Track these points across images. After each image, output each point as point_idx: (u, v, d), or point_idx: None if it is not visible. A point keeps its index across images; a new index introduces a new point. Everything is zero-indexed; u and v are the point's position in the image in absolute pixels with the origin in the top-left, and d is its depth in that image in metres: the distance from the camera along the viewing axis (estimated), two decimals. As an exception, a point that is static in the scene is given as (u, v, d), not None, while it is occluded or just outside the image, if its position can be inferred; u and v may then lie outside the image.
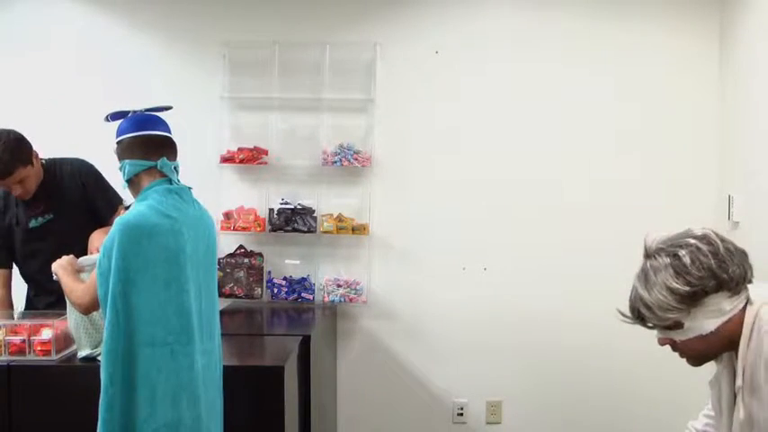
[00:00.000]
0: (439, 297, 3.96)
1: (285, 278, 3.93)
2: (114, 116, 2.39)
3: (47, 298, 3.10)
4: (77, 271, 2.53)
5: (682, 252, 1.62)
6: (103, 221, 3.05)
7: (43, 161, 3.10)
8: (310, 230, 3.88)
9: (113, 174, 2.53)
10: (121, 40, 3.99)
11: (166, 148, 2.35)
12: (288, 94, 3.92)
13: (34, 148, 3.02)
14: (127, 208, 2.56)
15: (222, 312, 2.47)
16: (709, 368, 3.98)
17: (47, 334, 2.64)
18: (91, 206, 3.12)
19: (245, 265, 3.88)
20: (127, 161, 2.32)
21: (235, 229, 3.87)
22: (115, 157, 2.39)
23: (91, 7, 4.01)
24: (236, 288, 3.86)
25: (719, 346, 1.66)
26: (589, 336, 3.89)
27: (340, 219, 3.91)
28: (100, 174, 3.18)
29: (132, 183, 2.34)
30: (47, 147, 3.23)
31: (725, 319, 1.62)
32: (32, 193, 3.04)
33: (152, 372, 2.18)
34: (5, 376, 2.57)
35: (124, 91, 3.84)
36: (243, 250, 3.90)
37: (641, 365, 3.88)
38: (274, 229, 3.89)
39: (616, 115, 3.91)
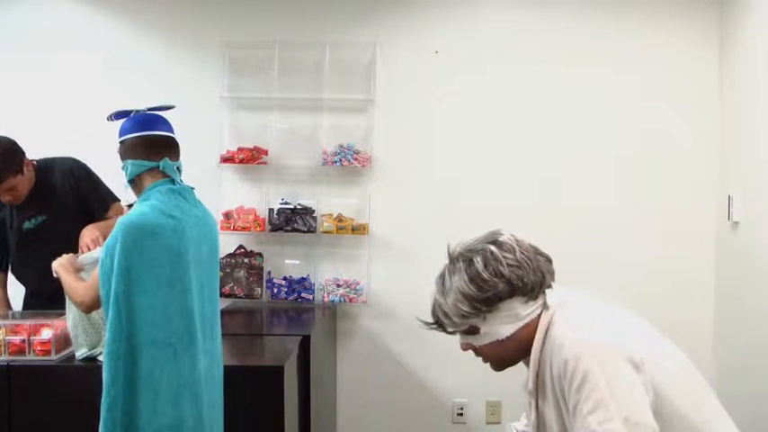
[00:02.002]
0: (439, 297, 3.95)
1: (285, 278, 3.93)
2: (118, 115, 2.39)
3: (43, 301, 3.07)
4: (77, 269, 2.53)
5: (477, 258, 1.61)
6: (96, 219, 3.03)
7: (34, 162, 3.07)
8: (310, 230, 3.88)
9: (113, 174, 2.53)
10: (122, 40, 3.99)
11: (169, 148, 2.35)
12: (288, 94, 3.92)
13: (31, 149, 3.01)
14: (129, 206, 2.56)
15: (222, 312, 2.47)
16: (713, 366, 3.95)
17: (46, 334, 2.64)
18: (84, 204, 3.10)
19: (244, 264, 3.88)
20: (129, 161, 2.32)
21: (235, 229, 3.87)
22: (115, 157, 2.39)
23: (91, 7, 4.01)
24: (236, 288, 3.86)
25: (518, 351, 1.65)
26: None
27: (340, 219, 3.91)
28: (92, 171, 3.17)
29: (135, 183, 2.34)
30: (47, 146, 3.23)
31: (521, 324, 1.62)
32: (23, 198, 3.02)
33: (155, 372, 2.18)
34: (5, 376, 2.58)
35: (124, 91, 3.83)
36: (243, 250, 3.91)
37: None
38: (274, 228, 3.89)
39: (616, 115, 3.91)
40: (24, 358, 2.62)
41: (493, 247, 1.62)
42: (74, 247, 2.80)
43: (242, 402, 2.55)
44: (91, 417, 2.22)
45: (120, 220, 2.24)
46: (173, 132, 2.38)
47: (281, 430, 2.60)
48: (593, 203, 3.90)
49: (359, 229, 3.89)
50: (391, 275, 3.97)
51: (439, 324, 1.67)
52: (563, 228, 3.91)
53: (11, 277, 3.26)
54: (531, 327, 1.62)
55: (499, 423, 3.98)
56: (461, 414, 3.99)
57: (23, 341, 2.63)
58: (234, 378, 2.48)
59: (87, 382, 2.44)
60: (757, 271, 3.33)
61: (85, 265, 2.54)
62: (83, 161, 3.20)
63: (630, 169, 3.90)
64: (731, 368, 3.63)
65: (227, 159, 3.91)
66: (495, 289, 1.58)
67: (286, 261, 3.97)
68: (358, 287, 3.90)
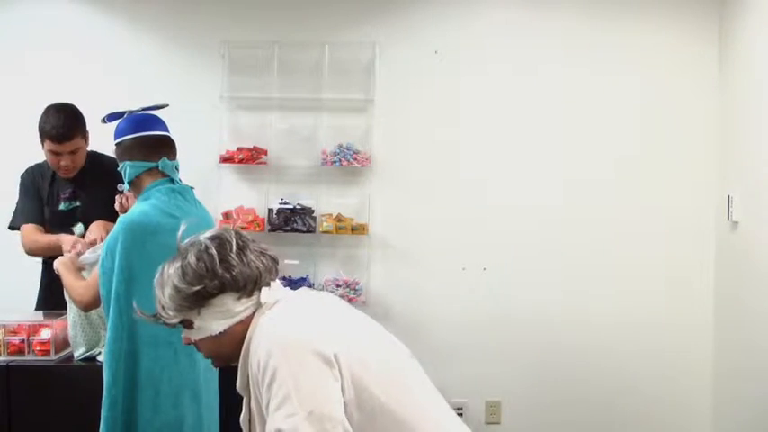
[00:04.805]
0: (438, 297, 3.95)
1: (284, 278, 3.93)
2: (111, 117, 2.39)
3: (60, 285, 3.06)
4: (79, 269, 2.53)
5: (191, 252, 1.61)
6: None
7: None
8: (309, 230, 3.88)
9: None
10: (121, 40, 3.99)
11: (166, 147, 2.36)
12: (287, 94, 3.92)
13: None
14: (120, 192, 2.56)
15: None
16: (713, 366, 3.94)
17: (46, 334, 2.65)
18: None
19: (244, 264, 3.88)
20: (127, 163, 2.32)
21: (234, 229, 3.86)
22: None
23: (91, 7, 4.01)
24: (235, 288, 3.85)
25: (235, 348, 1.63)
26: (588, 336, 3.89)
27: (339, 219, 3.91)
28: None
29: (134, 184, 2.34)
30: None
31: (234, 320, 1.61)
32: (76, 171, 3.06)
33: (155, 371, 2.19)
34: (5, 376, 2.58)
35: (124, 91, 3.82)
36: (242, 250, 3.90)
37: (640, 365, 3.88)
38: (273, 229, 3.89)
39: (616, 115, 3.91)
40: (24, 358, 2.63)
41: (209, 243, 1.62)
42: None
43: (241, 402, 2.54)
44: (90, 416, 2.22)
45: (121, 219, 2.25)
46: (168, 131, 2.39)
47: (280, 430, 2.60)
48: (593, 203, 3.90)
49: (358, 229, 3.89)
50: (390, 275, 3.97)
51: (158, 316, 1.66)
52: (562, 227, 3.91)
53: (27, 269, 3.26)
54: (246, 324, 1.61)
55: (499, 423, 3.98)
56: (460, 414, 3.99)
57: (23, 341, 2.64)
58: (234, 378, 2.47)
59: (87, 382, 2.45)
60: (757, 271, 3.33)
61: (86, 265, 2.55)
62: None
63: (630, 169, 3.90)
64: (731, 368, 3.62)
65: (226, 159, 3.91)
66: (203, 283, 1.58)
67: (285, 261, 3.96)
68: (357, 287, 3.90)
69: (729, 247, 3.69)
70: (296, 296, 1.69)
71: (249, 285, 1.61)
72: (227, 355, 1.66)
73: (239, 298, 1.61)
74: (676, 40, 3.89)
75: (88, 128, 3.06)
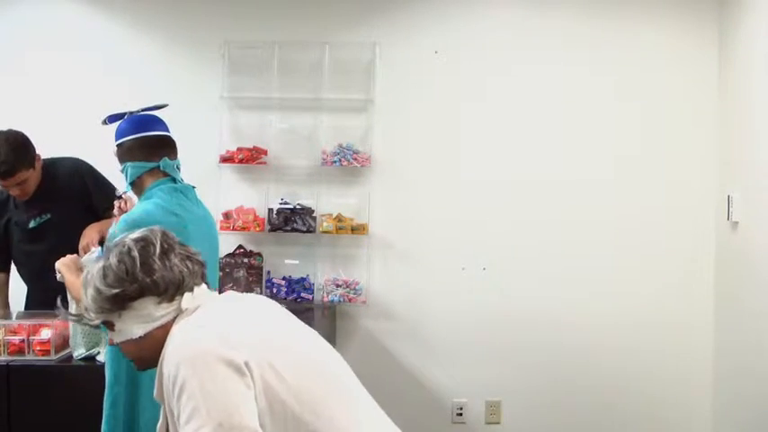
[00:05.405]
0: (438, 297, 3.95)
1: (284, 278, 3.93)
2: (112, 118, 2.39)
3: (46, 296, 3.08)
4: (80, 270, 2.53)
5: (113, 253, 1.58)
6: (101, 216, 3.07)
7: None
8: (309, 230, 3.88)
9: (114, 173, 2.54)
10: (121, 40, 3.99)
11: (167, 147, 2.35)
12: (287, 94, 3.92)
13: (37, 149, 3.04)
14: (119, 198, 2.56)
15: (221, 312, 2.47)
16: (713, 366, 3.94)
17: (46, 334, 2.64)
18: (88, 203, 3.13)
19: (244, 264, 3.88)
20: (129, 164, 2.32)
21: (234, 229, 3.87)
22: (115, 157, 2.39)
23: (91, 7, 4.01)
24: (235, 288, 3.86)
25: (155, 353, 1.57)
26: (588, 336, 3.90)
27: (339, 219, 3.91)
28: (96, 170, 3.20)
29: (135, 184, 2.34)
30: (46, 147, 3.23)
31: (155, 325, 1.57)
32: (30, 194, 3.06)
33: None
34: (5, 376, 2.58)
35: (124, 91, 3.82)
36: (242, 250, 3.91)
37: (640, 365, 3.88)
38: (273, 228, 3.89)
39: (616, 115, 3.91)
40: (24, 358, 2.63)
41: (132, 245, 1.58)
42: (76, 244, 2.84)
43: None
44: (90, 416, 2.22)
45: (123, 217, 2.24)
46: (168, 131, 2.39)
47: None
48: (592, 203, 3.90)
49: (358, 229, 3.89)
50: (390, 275, 3.97)
51: (81, 317, 1.64)
52: (562, 228, 3.91)
53: (13, 274, 3.27)
54: (168, 329, 1.57)
55: (499, 423, 3.98)
56: (461, 414, 3.99)
57: (23, 341, 2.63)
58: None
59: (86, 382, 2.45)
60: (757, 271, 3.33)
61: (87, 266, 2.54)
62: (85, 160, 3.23)
63: (630, 169, 3.90)
64: (731, 368, 3.62)
65: (226, 159, 3.91)
66: (122, 286, 1.55)
67: (285, 261, 3.97)
68: (357, 287, 3.90)
69: (729, 247, 3.69)
70: (218, 302, 1.65)
71: (171, 290, 1.58)
72: (148, 359, 1.61)
73: (160, 303, 1.57)
74: (676, 40, 3.90)
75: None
